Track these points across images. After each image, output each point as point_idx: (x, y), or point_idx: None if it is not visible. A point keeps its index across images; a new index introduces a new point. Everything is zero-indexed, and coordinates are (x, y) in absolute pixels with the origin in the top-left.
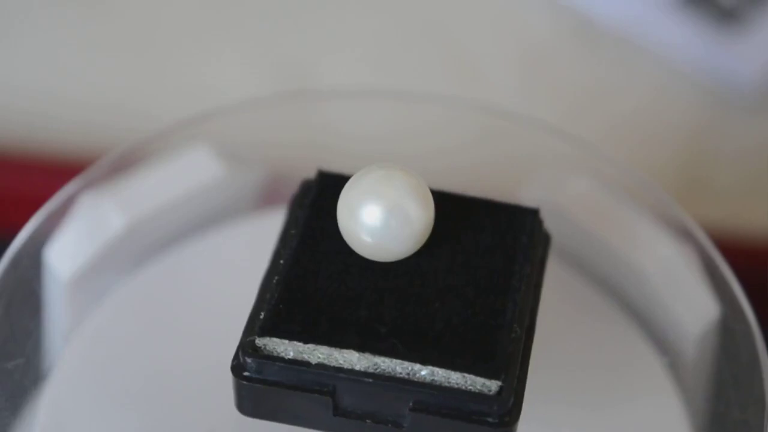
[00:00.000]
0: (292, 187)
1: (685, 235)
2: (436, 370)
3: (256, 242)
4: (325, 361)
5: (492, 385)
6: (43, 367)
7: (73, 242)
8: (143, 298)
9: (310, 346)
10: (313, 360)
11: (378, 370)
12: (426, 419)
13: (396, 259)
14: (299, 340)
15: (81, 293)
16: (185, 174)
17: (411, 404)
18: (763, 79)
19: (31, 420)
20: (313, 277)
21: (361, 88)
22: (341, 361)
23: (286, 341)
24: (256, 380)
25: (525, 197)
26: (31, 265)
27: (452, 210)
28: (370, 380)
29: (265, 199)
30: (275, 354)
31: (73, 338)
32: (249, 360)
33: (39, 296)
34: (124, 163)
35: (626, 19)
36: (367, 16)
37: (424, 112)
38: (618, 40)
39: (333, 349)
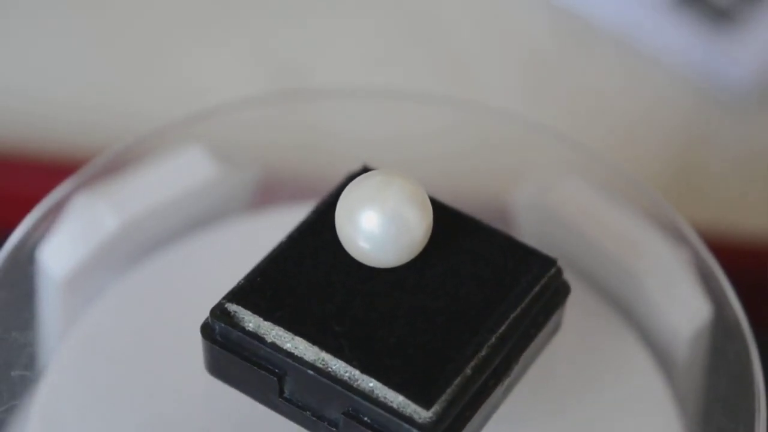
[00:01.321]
0: (286, 188)
1: (678, 236)
2: (375, 382)
3: (249, 242)
4: (278, 343)
5: (422, 413)
6: (37, 367)
7: (67, 242)
8: (137, 298)
9: (269, 324)
10: (269, 338)
11: (325, 367)
12: (356, 428)
13: (389, 266)
14: (260, 315)
15: (75, 293)
16: (179, 174)
17: (346, 409)
18: (757, 79)
19: (25, 419)
20: (300, 262)
21: (356, 88)
22: (292, 347)
23: (250, 313)
24: (219, 344)
25: (519, 198)
26: (25, 264)
27: (467, 234)
28: (313, 373)
29: (258, 200)
30: (238, 322)
31: (67, 338)
32: (215, 322)
33: (33, 296)
34: (118, 163)
35: (622, 20)
36: (363, 16)
37: (419, 113)
38: (613, 41)
39: (287, 333)
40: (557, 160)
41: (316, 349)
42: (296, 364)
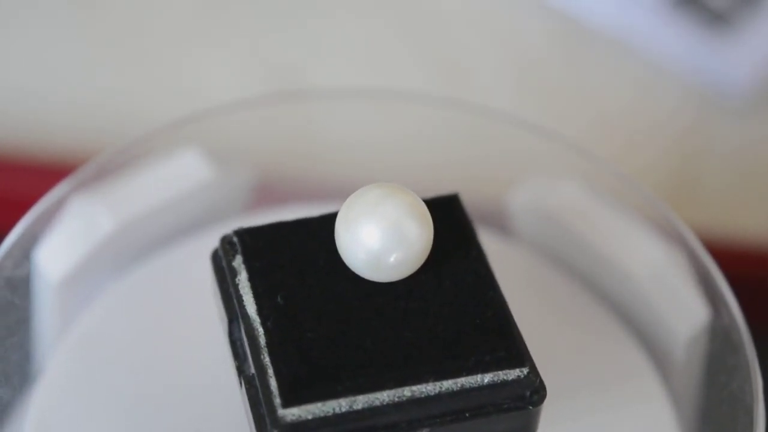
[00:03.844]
0: (283, 190)
1: (675, 238)
2: (268, 361)
3: None
4: (240, 287)
5: (280, 409)
6: (32, 369)
7: (63, 244)
8: (133, 300)
9: (243, 267)
10: (236, 280)
11: (255, 329)
12: (245, 395)
13: (389, 281)
14: (243, 255)
15: (71, 295)
16: (175, 176)
17: (248, 374)
18: (752, 81)
19: (20, 422)
20: (312, 237)
21: (353, 90)
22: (244, 297)
23: (240, 259)
24: (215, 268)
25: (517, 201)
26: (20, 266)
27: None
28: (243, 329)
29: (255, 202)
30: (228, 254)
31: (62, 340)
32: (217, 250)
33: (29, 298)
34: (114, 164)
35: (617, 22)
36: (358, 18)
37: (414, 114)
38: (608, 42)
39: (247, 282)
40: (555, 162)
41: (254, 309)
42: (240, 315)
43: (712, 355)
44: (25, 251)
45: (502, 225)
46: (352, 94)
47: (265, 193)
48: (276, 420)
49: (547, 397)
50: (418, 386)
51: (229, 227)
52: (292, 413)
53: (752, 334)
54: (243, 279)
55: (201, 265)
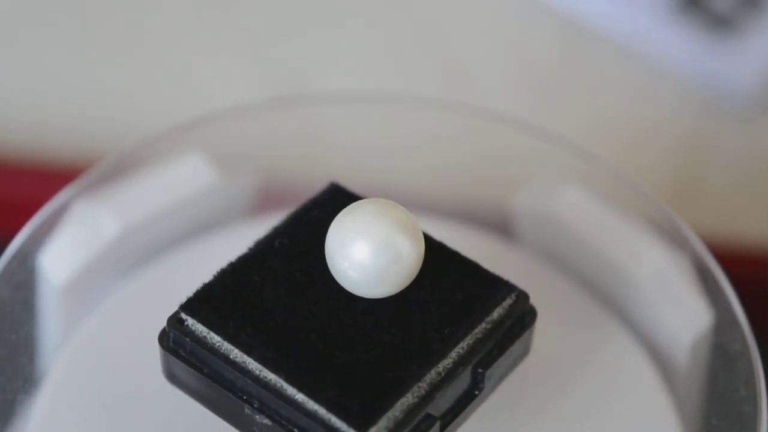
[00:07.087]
0: (285, 194)
1: (679, 241)
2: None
3: None
4: (273, 224)
5: (180, 313)
6: (37, 373)
7: (67, 248)
8: (137, 304)
9: (287, 216)
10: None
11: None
12: None
13: (379, 297)
14: (301, 206)
15: (75, 299)
16: (179, 181)
17: None
18: (756, 85)
19: (25, 424)
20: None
21: (356, 94)
22: (264, 234)
23: (306, 204)
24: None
25: (520, 205)
26: (25, 270)
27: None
28: None
29: (258, 206)
30: (307, 201)
31: (66, 344)
32: None
33: (33, 302)
34: (118, 169)
35: (620, 26)
36: (361, 22)
37: (418, 117)
38: (612, 46)
39: (274, 226)
40: (559, 166)
41: (260, 239)
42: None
43: (716, 359)
44: (29, 255)
45: (505, 228)
46: (356, 99)
47: (269, 198)
48: (174, 315)
49: (550, 401)
50: (276, 378)
51: (232, 232)
52: (187, 320)
53: (756, 337)
54: (284, 217)
55: (204, 269)
